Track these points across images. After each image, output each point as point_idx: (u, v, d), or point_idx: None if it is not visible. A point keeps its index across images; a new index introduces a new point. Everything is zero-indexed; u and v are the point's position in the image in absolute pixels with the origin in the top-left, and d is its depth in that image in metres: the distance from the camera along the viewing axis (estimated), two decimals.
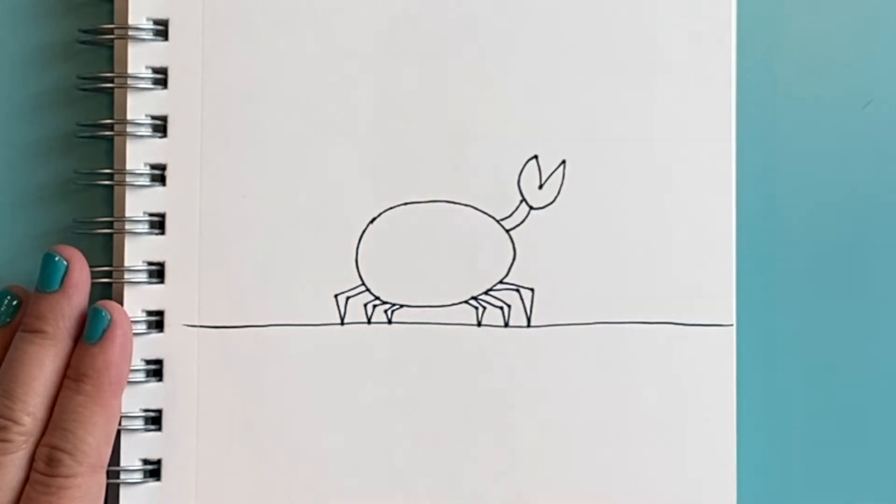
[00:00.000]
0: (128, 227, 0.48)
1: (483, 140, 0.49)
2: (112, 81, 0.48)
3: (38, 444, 0.45)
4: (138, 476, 0.48)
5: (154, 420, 0.48)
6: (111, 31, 0.48)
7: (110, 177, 0.48)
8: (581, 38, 0.50)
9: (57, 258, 0.46)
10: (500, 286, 0.49)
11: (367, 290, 0.49)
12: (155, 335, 0.48)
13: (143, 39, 0.48)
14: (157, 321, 0.48)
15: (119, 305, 0.47)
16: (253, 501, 0.48)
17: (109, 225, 0.48)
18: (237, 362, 0.48)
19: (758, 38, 0.52)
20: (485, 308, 0.49)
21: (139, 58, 0.48)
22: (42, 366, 0.45)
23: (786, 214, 0.52)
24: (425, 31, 0.49)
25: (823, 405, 0.52)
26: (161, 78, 0.48)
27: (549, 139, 0.50)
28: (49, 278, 0.46)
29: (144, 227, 0.48)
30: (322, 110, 0.49)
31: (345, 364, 0.48)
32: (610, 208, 0.49)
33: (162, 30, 0.48)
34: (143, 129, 0.48)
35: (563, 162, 0.50)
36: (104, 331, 0.46)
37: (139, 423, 0.48)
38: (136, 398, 0.48)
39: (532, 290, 0.49)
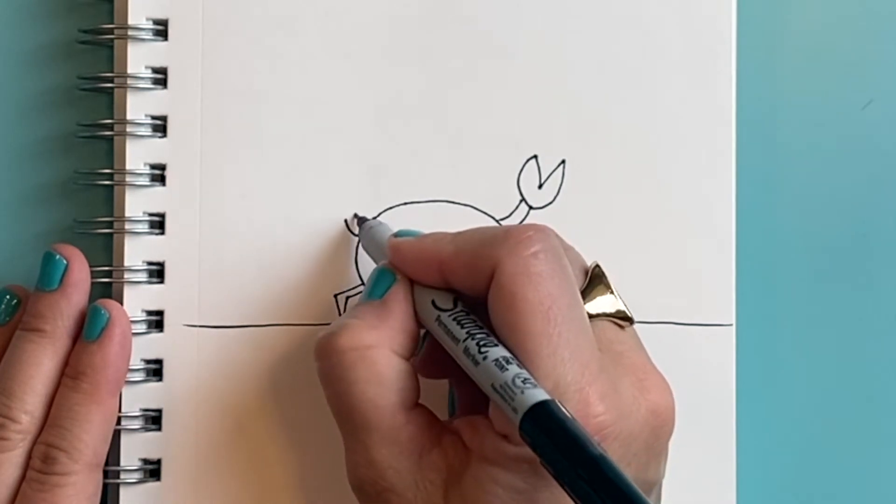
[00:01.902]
0: (128, 227, 0.48)
1: (483, 140, 0.49)
2: (112, 81, 0.48)
3: (35, 443, 0.45)
4: (138, 476, 0.47)
5: (154, 420, 0.48)
6: (111, 31, 0.48)
7: (110, 177, 0.48)
8: (581, 38, 0.50)
9: (57, 257, 0.46)
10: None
11: None
12: (155, 335, 0.48)
13: (143, 39, 0.48)
14: (156, 321, 0.48)
15: (118, 304, 0.47)
16: (253, 501, 0.48)
17: (109, 225, 0.48)
18: (237, 362, 0.48)
19: (758, 38, 0.52)
20: None
21: (139, 58, 0.48)
22: (40, 364, 0.45)
23: (786, 214, 0.52)
24: (425, 31, 0.49)
25: (823, 405, 0.52)
26: (161, 78, 0.48)
27: (549, 139, 0.50)
28: (48, 277, 0.46)
29: (144, 227, 0.48)
30: (322, 110, 0.49)
31: None
32: (609, 208, 0.49)
33: (162, 30, 0.48)
34: (143, 129, 0.48)
35: (563, 162, 0.50)
36: (103, 329, 0.46)
37: (139, 423, 0.48)
38: (136, 398, 0.47)
39: None
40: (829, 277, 0.52)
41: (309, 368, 0.46)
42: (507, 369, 0.39)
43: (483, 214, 0.49)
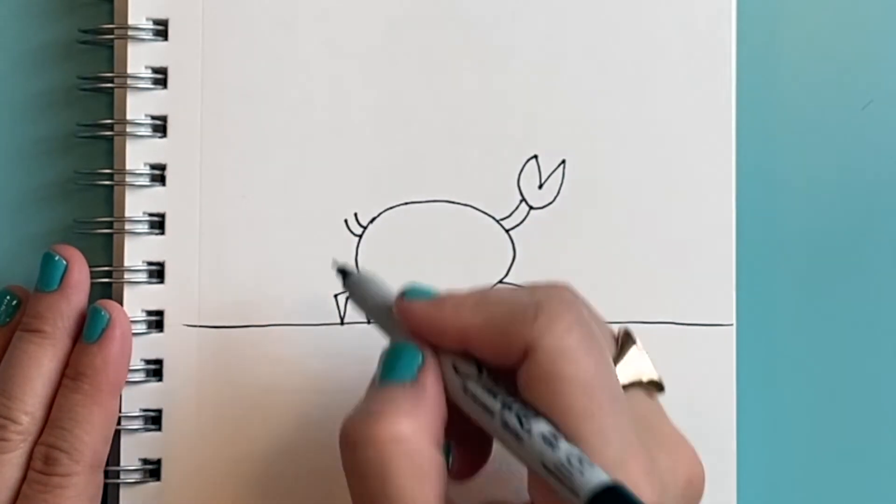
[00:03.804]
0: (128, 227, 0.48)
1: (483, 140, 0.49)
2: (112, 81, 0.48)
3: (35, 444, 0.45)
4: (138, 476, 0.48)
5: (154, 420, 0.48)
6: (111, 31, 0.48)
7: (110, 177, 0.48)
8: (581, 37, 0.50)
9: (56, 258, 0.46)
10: (499, 286, 0.49)
11: None
12: (155, 335, 0.48)
13: (143, 39, 0.48)
14: (156, 321, 0.48)
15: (118, 305, 0.47)
16: (253, 502, 0.48)
17: (109, 225, 0.48)
18: (237, 362, 0.48)
19: (758, 38, 0.52)
20: None
21: (139, 58, 0.48)
22: (40, 365, 0.45)
23: (786, 214, 0.52)
24: (425, 31, 0.49)
25: (823, 405, 0.52)
26: (161, 78, 0.48)
27: (549, 139, 0.50)
28: (48, 278, 0.46)
29: (144, 227, 0.48)
30: (322, 110, 0.49)
31: (345, 364, 0.48)
32: (610, 208, 0.49)
33: (162, 30, 0.48)
34: (143, 129, 0.48)
35: (563, 162, 0.50)
36: (103, 330, 0.46)
37: (139, 423, 0.48)
38: (136, 398, 0.48)
39: None
40: (829, 277, 0.52)
41: (309, 368, 0.46)
42: (557, 447, 0.37)
43: (483, 214, 0.49)
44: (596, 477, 0.37)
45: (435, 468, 0.39)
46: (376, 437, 0.39)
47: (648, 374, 0.42)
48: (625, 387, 0.41)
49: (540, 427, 0.38)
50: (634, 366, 0.42)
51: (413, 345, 0.41)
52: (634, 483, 0.38)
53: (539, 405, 0.39)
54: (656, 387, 0.43)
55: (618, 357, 0.42)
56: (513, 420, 0.38)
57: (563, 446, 0.38)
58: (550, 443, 0.38)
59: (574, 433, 0.38)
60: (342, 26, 0.49)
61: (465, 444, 0.43)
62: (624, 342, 0.43)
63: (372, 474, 0.39)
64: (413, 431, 0.39)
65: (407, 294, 0.42)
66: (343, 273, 0.45)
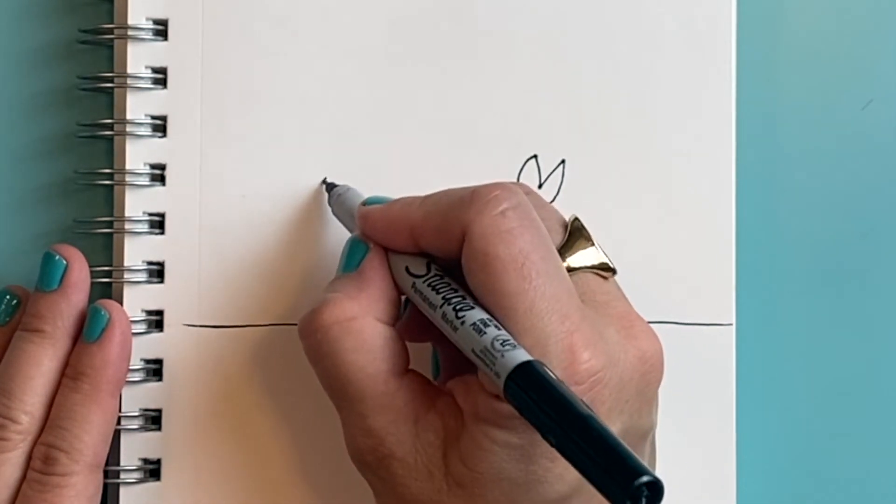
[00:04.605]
0: (128, 226, 0.48)
1: (483, 140, 0.49)
2: (112, 81, 0.48)
3: (35, 443, 0.45)
4: (138, 476, 0.47)
5: (153, 420, 0.48)
6: (111, 31, 0.48)
7: (110, 177, 0.48)
8: (581, 37, 0.50)
9: (56, 257, 0.46)
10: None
11: None
12: (154, 335, 0.48)
13: (143, 39, 0.48)
14: (156, 321, 0.48)
15: (118, 304, 0.47)
16: (253, 501, 0.48)
17: (109, 225, 0.48)
18: (237, 362, 0.48)
19: (758, 38, 0.52)
20: None
21: (139, 58, 0.48)
22: (40, 365, 0.45)
23: (786, 214, 0.52)
24: (425, 31, 0.49)
25: (823, 405, 0.52)
26: (161, 78, 0.48)
27: (549, 139, 0.50)
28: (48, 277, 0.46)
29: (144, 227, 0.48)
30: (322, 110, 0.49)
31: None
32: (609, 208, 0.49)
33: (162, 30, 0.48)
34: (142, 129, 0.48)
35: (563, 162, 0.50)
36: (103, 330, 0.46)
37: (138, 423, 0.48)
38: (136, 398, 0.48)
39: None
40: (829, 277, 0.52)
41: (307, 368, 0.46)
42: (485, 333, 0.39)
43: None
44: (518, 357, 0.37)
45: (384, 342, 0.42)
46: (321, 322, 0.42)
47: (597, 258, 0.44)
48: (575, 270, 0.43)
49: (473, 316, 0.39)
50: (582, 252, 0.43)
51: (360, 240, 0.44)
52: (571, 353, 0.39)
53: (477, 289, 0.40)
54: (606, 269, 0.44)
55: (565, 244, 0.43)
56: (450, 312, 0.40)
57: (491, 332, 0.39)
58: (479, 329, 0.39)
59: (507, 313, 0.39)
60: (342, 26, 0.49)
61: (448, 349, 0.44)
62: (573, 230, 0.44)
63: (324, 355, 0.42)
64: (355, 311, 0.42)
65: (367, 201, 0.45)
66: (328, 186, 0.48)
